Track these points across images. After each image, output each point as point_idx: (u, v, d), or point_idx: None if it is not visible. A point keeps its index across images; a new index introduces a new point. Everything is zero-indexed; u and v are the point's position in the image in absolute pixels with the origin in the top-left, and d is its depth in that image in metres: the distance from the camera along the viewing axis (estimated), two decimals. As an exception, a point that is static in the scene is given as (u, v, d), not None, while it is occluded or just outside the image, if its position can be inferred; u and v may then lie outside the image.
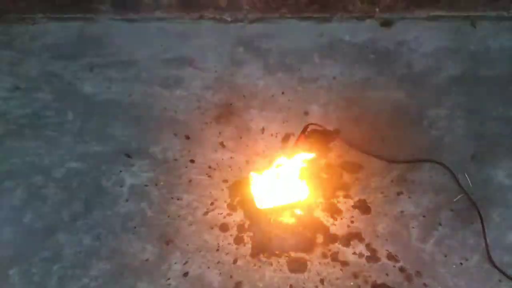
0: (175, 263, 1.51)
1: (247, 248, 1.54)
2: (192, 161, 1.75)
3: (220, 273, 1.49)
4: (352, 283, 1.46)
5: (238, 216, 1.61)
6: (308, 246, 1.54)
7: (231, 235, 1.57)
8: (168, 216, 1.61)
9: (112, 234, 1.58)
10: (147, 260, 1.52)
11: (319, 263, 1.50)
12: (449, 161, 1.70)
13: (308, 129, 1.79)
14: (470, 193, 1.62)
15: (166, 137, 1.81)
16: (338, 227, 1.58)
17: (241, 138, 1.81)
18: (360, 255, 1.52)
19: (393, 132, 1.81)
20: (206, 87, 1.98)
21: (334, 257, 1.51)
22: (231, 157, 1.75)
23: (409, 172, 1.70)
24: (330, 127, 1.82)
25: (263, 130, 1.83)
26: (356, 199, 1.63)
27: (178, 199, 1.65)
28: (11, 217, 1.63)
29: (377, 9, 2.20)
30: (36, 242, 1.57)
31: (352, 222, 1.59)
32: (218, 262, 1.51)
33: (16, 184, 1.70)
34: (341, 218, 1.60)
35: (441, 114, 1.86)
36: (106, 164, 1.74)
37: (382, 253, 1.52)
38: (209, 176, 1.71)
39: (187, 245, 1.55)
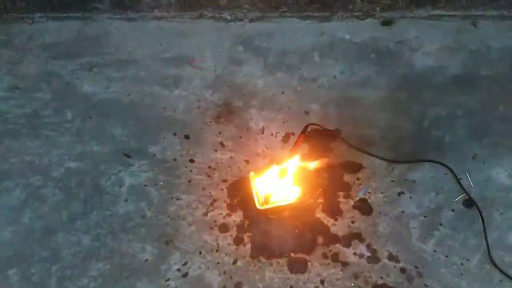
0: (175, 263, 1.51)
1: (247, 249, 1.53)
2: (191, 161, 1.74)
3: (220, 273, 1.48)
4: (352, 284, 1.46)
5: (238, 217, 1.60)
6: (309, 246, 1.53)
7: (231, 235, 1.56)
8: (168, 216, 1.61)
9: (111, 234, 1.58)
10: (146, 260, 1.52)
11: (320, 263, 1.50)
12: (450, 161, 1.70)
13: (308, 129, 1.78)
14: (471, 193, 1.62)
15: (165, 137, 1.80)
16: (338, 228, 1.57)
17: (241, 138, 1.81)
18: (361, 255, 1.51)
19: (393, 132, 1.80)
20: (205, 86, 1.97)
21: (335, 258, 1.51)
22: (231, 157, 1.75)
23: (410, 172, 1.69)
24: (330, 127, 1.81)
25: (263, 129, 1.83)
26: (357, 199, 1.63)
27: (177, 199, 1.65)
28: (10, 217, 1.62)
29: (377, 8, 2.20)
30: (35, 242, 1.56)
31: (352, 222, 1.58)
32: (218, 263, 1.51)
33: (15, 184, 1.70)
34: (342, 218, 1.59)
35: (442, 113, 1.85)
36: (105, 164, 1.74)
37: (382, 254, 1.51)
38: (209, 176, 1.70)
39: (187, 245, 1.54)
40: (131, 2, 2.22)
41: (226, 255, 1.52)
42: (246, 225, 1.58)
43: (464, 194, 1.62)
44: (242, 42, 2.13)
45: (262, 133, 1.82)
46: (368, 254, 1.52)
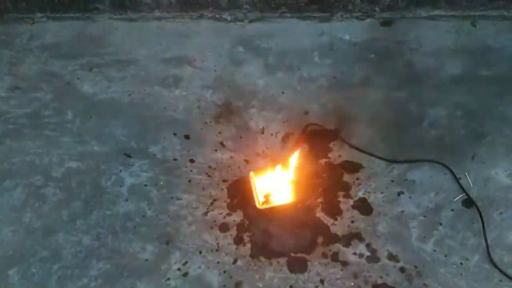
0: (175, 263, 1.51)
1: (247, 248, 1.54)
2: (192, 161, 1.74)
3: (220, 273, 1.49)
4: (352, 284, 1.46)
5: (237, 216, 1.60)
6: (308, 246, 1.53)
7: (230, 235, 1.56)
8: (168, 216, 1.61)
9: (111, 234, 1.58)
10: (146, 260, 1.52)
11: (319, 263, 1.50)
12: (450, 161, 1.70)
13: (308, 129, 1.79)
14: (470, 193, 1.62)
15: (165, 137, 1.81)
16: (338, 227, 1.57)
17: (241, 137, 1.81)
18: (360, 255, 1.51)
19: (393, 132, 1.81)
20: (205, 86, 1.97)
21: (334, 257, 1.51)
22: (231, 157, 1.75)
23: (409, 172, 1.70)
24: (330, 127, 1.81)
25: (263, 129, 1.83)
26: (356, 199, 1.63)
27: (177, 199, 1.65)
28: (10, 217, 1.62)
29: (377, 9, 2.20)
30: (35, 242, 1.57)
31: (352, 222, 1.59)
32: (218, 262, 1.51)
33: (15, 184, 1.70)
34: (342, 218, 1.59)
35: (441, 113, 1.85)
36: (106, 164, 1.74)
37: (382, 253, 1.52)
38: (209, 176, 1.70)
39: (187, 245, 1.55)
40: (131, 2, 2.23)
41: (226, 254, 1.52)
42: (246, 225, 1.58)
43: (464, 194, 1.63)
44: (242, 42, 2.14)
45: (262, 133, 1.82)
46: (367, 253, 1.52)
